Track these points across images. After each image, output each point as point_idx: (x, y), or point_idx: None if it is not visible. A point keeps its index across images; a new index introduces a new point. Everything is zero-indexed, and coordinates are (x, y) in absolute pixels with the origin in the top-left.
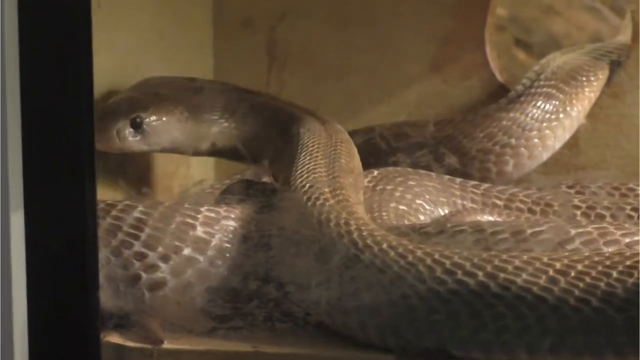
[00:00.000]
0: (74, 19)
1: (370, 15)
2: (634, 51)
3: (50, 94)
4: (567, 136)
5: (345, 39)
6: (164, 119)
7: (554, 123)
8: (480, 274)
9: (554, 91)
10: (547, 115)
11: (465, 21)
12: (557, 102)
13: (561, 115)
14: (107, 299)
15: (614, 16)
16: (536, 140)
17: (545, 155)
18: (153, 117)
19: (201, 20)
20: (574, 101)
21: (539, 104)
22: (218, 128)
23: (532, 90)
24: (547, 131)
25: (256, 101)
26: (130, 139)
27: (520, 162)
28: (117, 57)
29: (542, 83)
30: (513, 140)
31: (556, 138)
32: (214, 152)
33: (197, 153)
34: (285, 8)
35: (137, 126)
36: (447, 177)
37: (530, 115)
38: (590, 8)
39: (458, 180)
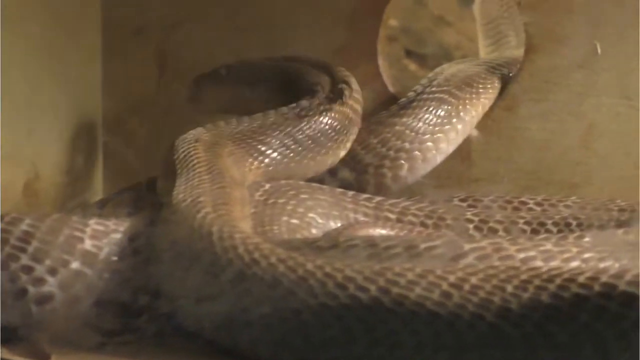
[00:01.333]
0: None
1: (265, 25)
2: (527, 64)
3: None
4: (461, 140)
5: (240, 48)
6: (211, 90)
7: (447, 127)
8: (372, 288)
9: (446, 96)
10: (440, 120)
11: (358, 32)
12: (449, 107)
13: (454, 120)
14: None
15: None
16: (429, 143)
17: (439, 159)
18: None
19: (90, 29)
20: (467, 106)
21: (431, 108)
22: (257, 92)
23: (424, 96)
24: (440, 135)
25: (278, 68)
26: (195, 104)
27: (414, 166)
28: (6, 65)
29: (434, 89)
30: (407, 145)
31: (449, 142)
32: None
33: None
34: (178, 16)
35: (194, 94)
36: (339, 190)
37: (422, 119)
38: None
39: (350, 193)
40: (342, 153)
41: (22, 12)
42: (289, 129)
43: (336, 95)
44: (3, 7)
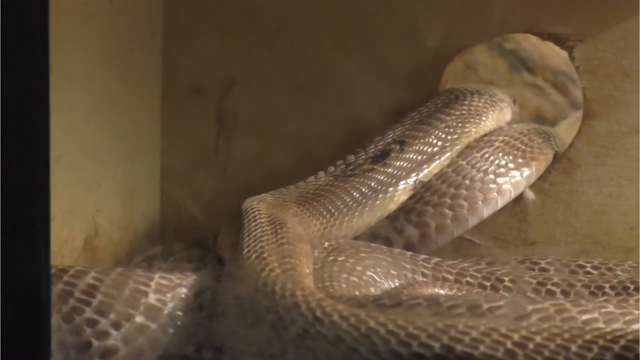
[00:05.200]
0: (30, 81)
1: (324, 83)
2: (585, 128)
3: (7, 156)
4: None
5: (299, 106)
6: None
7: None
8: (436, 345)
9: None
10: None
11: (418, 92)
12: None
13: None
14: None
15: (556, 93)
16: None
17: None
18: None
19: (151, 86)
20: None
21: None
22: None
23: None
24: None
25: None
26: None
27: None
28: (70, 120)
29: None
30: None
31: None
32: None
33: None
34: (235, 76)
35: None
36: (398, 250)
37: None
38: (532, 85)
39: (408, 253)
40: (393, 207)
41: (88, 68)
42: (337, 190)
43: (382, 155)
44: (69, 62)
